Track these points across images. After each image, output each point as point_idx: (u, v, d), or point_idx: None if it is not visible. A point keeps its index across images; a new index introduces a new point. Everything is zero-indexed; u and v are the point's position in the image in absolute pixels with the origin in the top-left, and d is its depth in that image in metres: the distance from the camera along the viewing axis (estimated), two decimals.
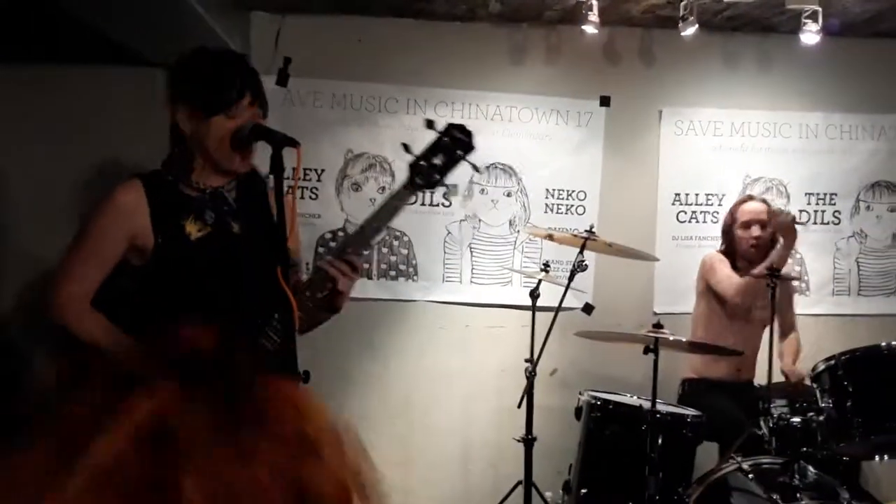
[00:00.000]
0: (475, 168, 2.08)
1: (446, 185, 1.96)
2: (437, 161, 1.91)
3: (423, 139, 1.95)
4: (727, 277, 3.46)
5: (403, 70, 3.97)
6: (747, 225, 3.52)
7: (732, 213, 3.61)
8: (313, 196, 3.94)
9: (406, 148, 1.93)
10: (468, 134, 1.95)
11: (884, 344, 2.83)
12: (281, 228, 1.70)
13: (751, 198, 3.66)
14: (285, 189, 1.78)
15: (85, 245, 1.90)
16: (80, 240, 1.92)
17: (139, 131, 3.50)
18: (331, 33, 3.93)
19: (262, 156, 1.93)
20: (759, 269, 3.27)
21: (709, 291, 3.58)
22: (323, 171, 3.94)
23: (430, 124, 1.95)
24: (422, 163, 1.92)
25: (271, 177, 1.83)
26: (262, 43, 3.85)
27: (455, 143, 1.92)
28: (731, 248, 3.59)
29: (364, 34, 3.96)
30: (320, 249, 3.94)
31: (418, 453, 4.00)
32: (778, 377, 3.20)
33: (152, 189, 1.93)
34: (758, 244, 3.48)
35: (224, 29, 3.38)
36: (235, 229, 1.98)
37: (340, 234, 3.95)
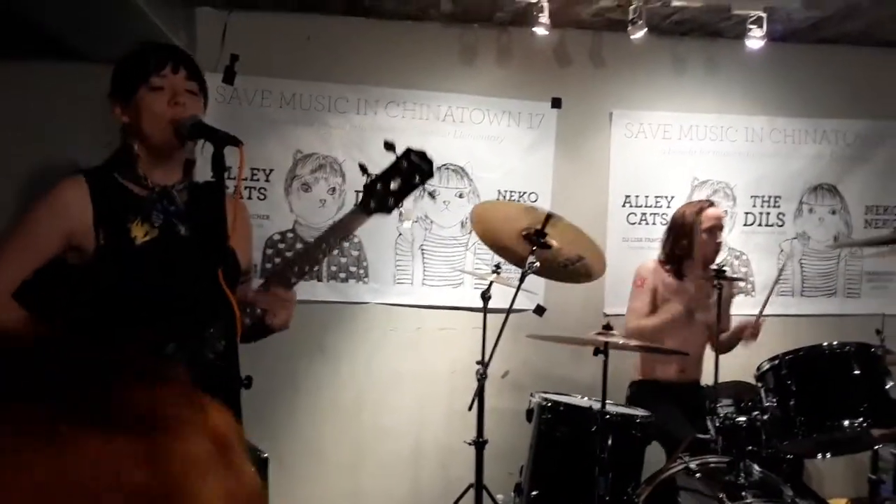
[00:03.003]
0: (431, 196, 2.02)
1: (401, 210, 1.89)
2: (394, 185, 1.83)
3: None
4: (635, 316, 3.53)
5: (353, 69, 3.92)
6: (711, 230, 3.57)
7: (695, 216, 3.57)
8: (262, 197, 3.86)
9: (363, 169, 1.86)
10: (429, 162, 1.87)
11: (825, 344, 2.89)
12: (222, 230, 1.64)
13: (711, 203, 3.66)
14: (230, 190, 1.73)
15: (17, 239, 1.82)
16: (14, 233, 1.83)
17: (77, 128, 3.40)
18: (279, 31, 3.87)
19: (204, 156, 1.87)
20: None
21: None
22: (272, 171, 3.87)
23: (389, 147, 1.85)
24: (378, 186, 1.84)
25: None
26: (208, 39, 3.77)
27: (413, 168, 1.84)
28: (681, 252, 3.60)
29: (313, 32, 3.90)
30: (268, 251, 3.87)
31: (369, 456, 3.96)
32: (723, 377, 3.24)
33: (98, 188, 1.84)
34: (719, 248, 3.62)
35: (167, 24, 3.29)
36: (182, 232, 1.88)
37: (290, 235, 3.89)
